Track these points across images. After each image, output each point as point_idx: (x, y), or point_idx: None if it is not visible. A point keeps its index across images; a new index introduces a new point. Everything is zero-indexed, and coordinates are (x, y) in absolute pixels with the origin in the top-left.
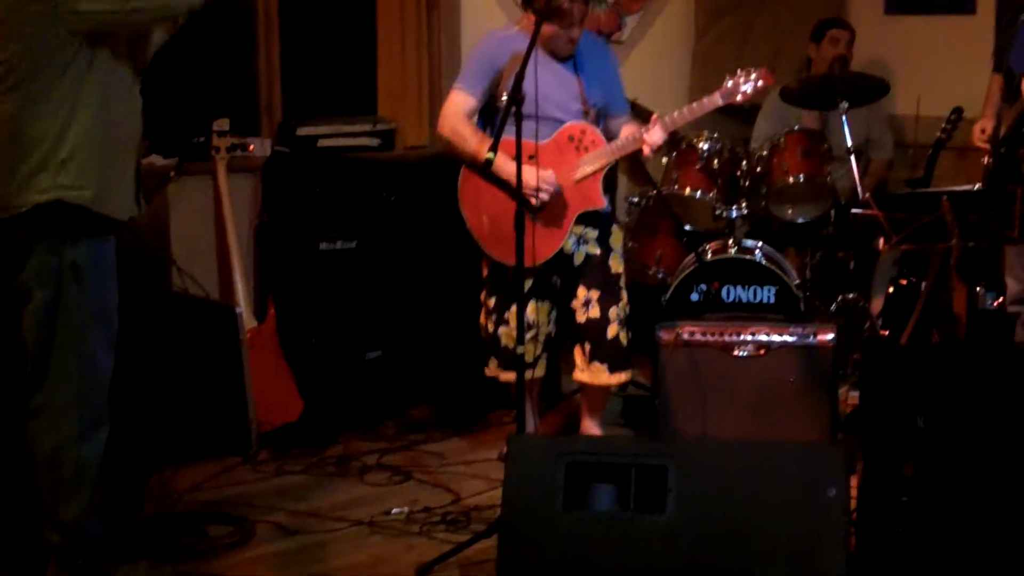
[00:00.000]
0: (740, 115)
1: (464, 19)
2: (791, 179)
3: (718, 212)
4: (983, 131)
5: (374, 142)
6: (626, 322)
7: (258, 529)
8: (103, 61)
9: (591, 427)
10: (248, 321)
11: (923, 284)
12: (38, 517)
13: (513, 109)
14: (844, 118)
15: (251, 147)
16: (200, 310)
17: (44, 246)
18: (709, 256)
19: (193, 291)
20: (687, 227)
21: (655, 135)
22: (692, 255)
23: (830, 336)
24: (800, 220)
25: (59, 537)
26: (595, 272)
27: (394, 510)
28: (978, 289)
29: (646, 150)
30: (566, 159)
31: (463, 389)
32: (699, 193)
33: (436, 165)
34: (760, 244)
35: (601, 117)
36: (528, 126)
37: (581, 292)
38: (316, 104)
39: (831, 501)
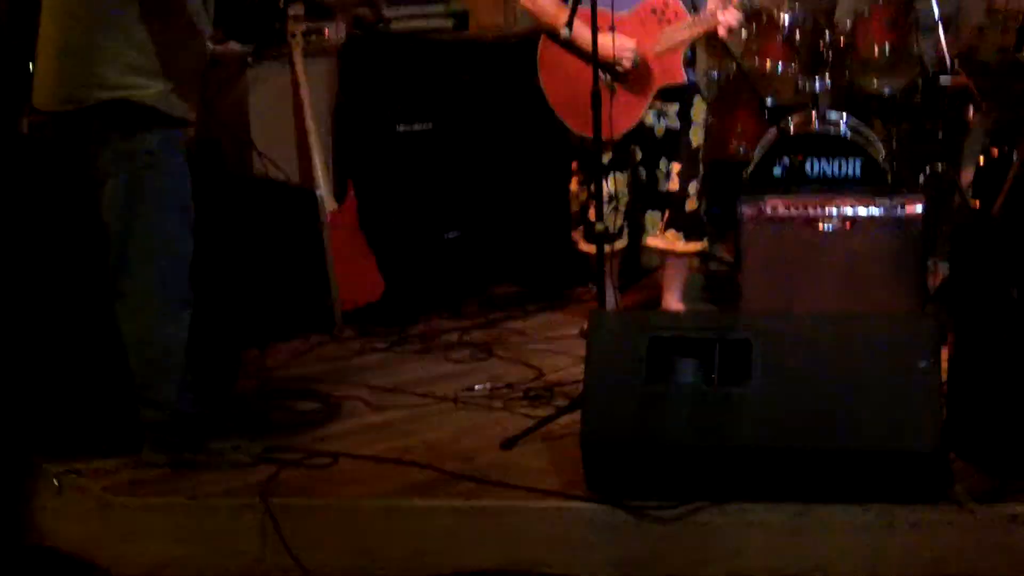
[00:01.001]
0: None
1: None
2: (877, 50)
3: (800, 85)
4: None
5: (448, 23)
6: (703, 193)
7: (344, 405)
8: None
9: (672, 301)
10: (328, 203)
11: (1015, 153)
12: (132, 397)
13: None
14: None
15: (326, 31)
16: (281, 194)
17: (117, 134)
18: (792, 129)
19: (273, 175)
20: (768, 101)
21: (729, 14)
22: (774, 129)
23: (918, 207)
24: (886, 91)
25: (152, 415)
26: (676, 145)
27: (477, 386)
28: None
29: (721, 31)
30: (647, 31)
31: (543, 266)
32: (781, 66)
33: (510, 44)
34: (845, 116)
35: None
36: None
37: (662, 164)
38: None
39: (923, 371)
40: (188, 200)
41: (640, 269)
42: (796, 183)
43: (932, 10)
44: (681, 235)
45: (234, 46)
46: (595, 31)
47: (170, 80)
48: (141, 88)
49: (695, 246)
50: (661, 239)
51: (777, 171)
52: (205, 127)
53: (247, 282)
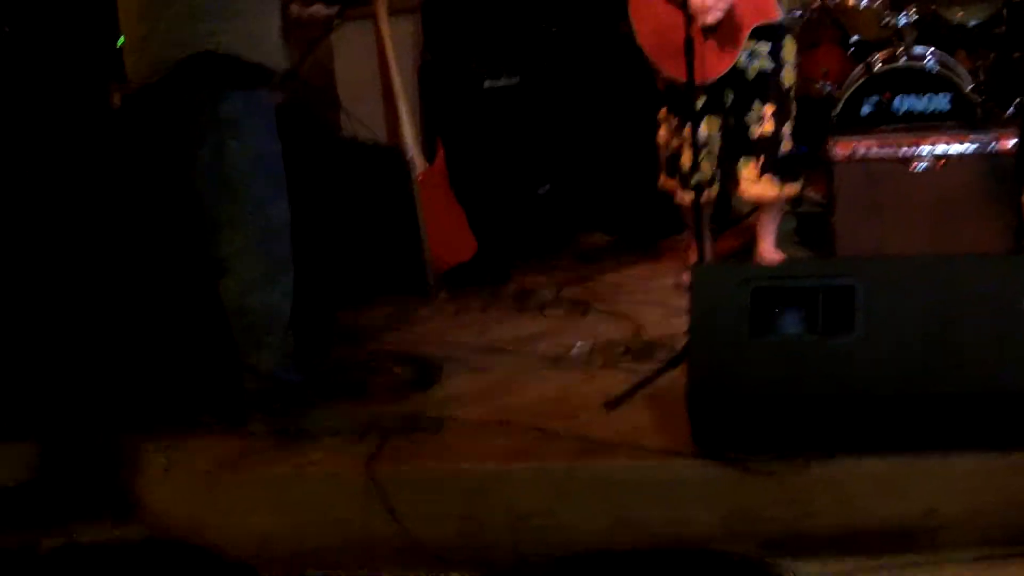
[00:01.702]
0: None
1: None
2: None
3: (885, 20)
4: None
5: None
6: (795, 134)
7: (444, 368)
8: None
9: (767, 246)
10: (418, 163)
11: None
12: (236, 366)
13: None
14: None
15: None
16: (371, 154)
17: (198, 102)
18: (878, 66)
19: (363, 136)
20: (853, 37)
21: None
22: (861, 66)
23: (1012, 142)
24: (972, 22)
25: (256, 384)
26: (768, 86)
27: (577, 343)
28: None
29: None
30: None
31: (634, 217)
32: (864, 1)
33: None
34: (931, 50)
35: None
36: None
37: (756, 107)
38: None
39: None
40: (280, 165)
41: (731, 213)
42: (885, 121)
43: None
44: (778, 178)
45: (319, 8)
46: None
47: (246, 21)
48: (216, 35)
49: (793, 189)
50: (758, 186)
51: (865, 109)
52: (292, 90)
53: (339, 245)
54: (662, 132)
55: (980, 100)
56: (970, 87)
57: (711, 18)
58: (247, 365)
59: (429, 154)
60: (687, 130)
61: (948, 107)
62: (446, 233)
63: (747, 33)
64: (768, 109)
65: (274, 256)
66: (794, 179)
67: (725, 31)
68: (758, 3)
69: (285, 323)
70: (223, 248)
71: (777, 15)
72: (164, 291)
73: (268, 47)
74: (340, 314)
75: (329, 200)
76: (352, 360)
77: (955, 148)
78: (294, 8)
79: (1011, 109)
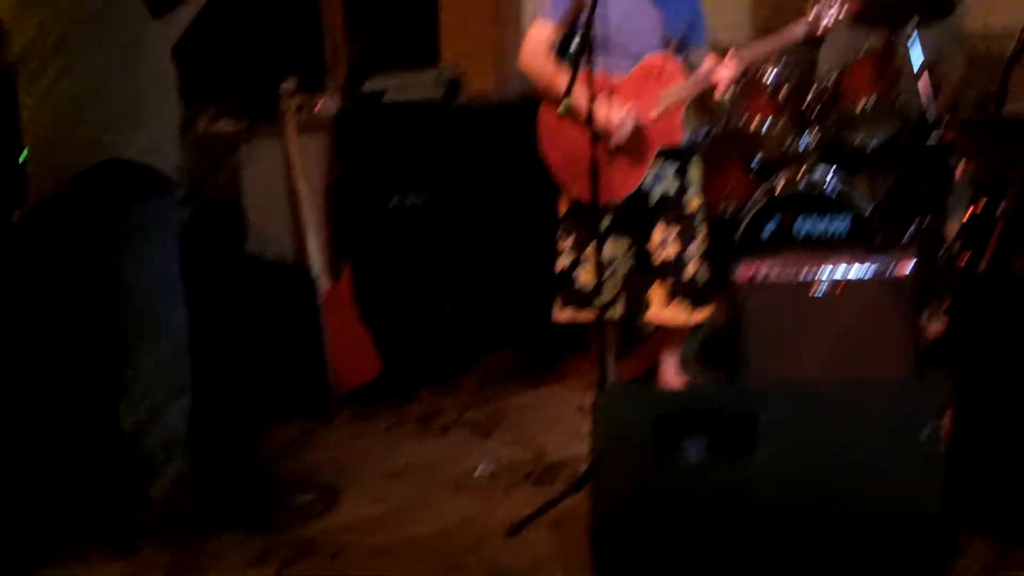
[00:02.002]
0: (807, 40)
1: None
2: (861, 104)
3: (788, 142)
4: None
5: (439, 92)
6: (705, 258)
7: (344, 494)
8: (126, 22)
9: (671, 369)
10: (323, 281)
11: (1001, 205)
12: (131, 491)
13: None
14: (914, 35)
15: (319, 105)
16: (277, 273)
17: (99, 215)
18: (779, 189)
19: (268, 253)
20: (756, 159)
21: (725, 71)
22: (763, 187)
23: (910, 266)
24: (871, 145)
25: (151, 513)
26: (673, 208)
27: (480, 466)
28: None
29: (720, 87)
30: (646, 93)
31: (539, 336)
32: (768, 123)
33: (503, 112)
34: (832, 172)
35: (682, 49)
36: (608, 61)
37: (659, 228)
38: (381, 57)
39: (925, 442)
40: (180, 281)
41: (635, 334)
42: (787, 243)
43: (914, 62)
44: (687, 303)
45: (226, 124)
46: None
47: (148, 132)
48: (119, 146)
49: (701, 315)
50: (667, 311)
51: (767, 231)
52: (198, 205)
53: (241, 364)
54: (562, 258)
55: (879, 223)
56: (870, 210)
57: (618, 138)
58: (142, 494)
59: (335, 272)
60: (589, 250)
61: (848, 229)
62: (350, 352)
63: (653, 153)
64: (672, 231)
65: (174, 376)
66: (704, 304)
67: (632, 152)
68: (665, 125)
69: (183, 444)
70: (123, 368)
71: (682, 138)
72: (58, 413)
73: (170, 159)
74: (240, 435)
75: (232, 318)
76: (250, 484)
77: (855, 271)
78: (202, 122)
79: (909, 233)
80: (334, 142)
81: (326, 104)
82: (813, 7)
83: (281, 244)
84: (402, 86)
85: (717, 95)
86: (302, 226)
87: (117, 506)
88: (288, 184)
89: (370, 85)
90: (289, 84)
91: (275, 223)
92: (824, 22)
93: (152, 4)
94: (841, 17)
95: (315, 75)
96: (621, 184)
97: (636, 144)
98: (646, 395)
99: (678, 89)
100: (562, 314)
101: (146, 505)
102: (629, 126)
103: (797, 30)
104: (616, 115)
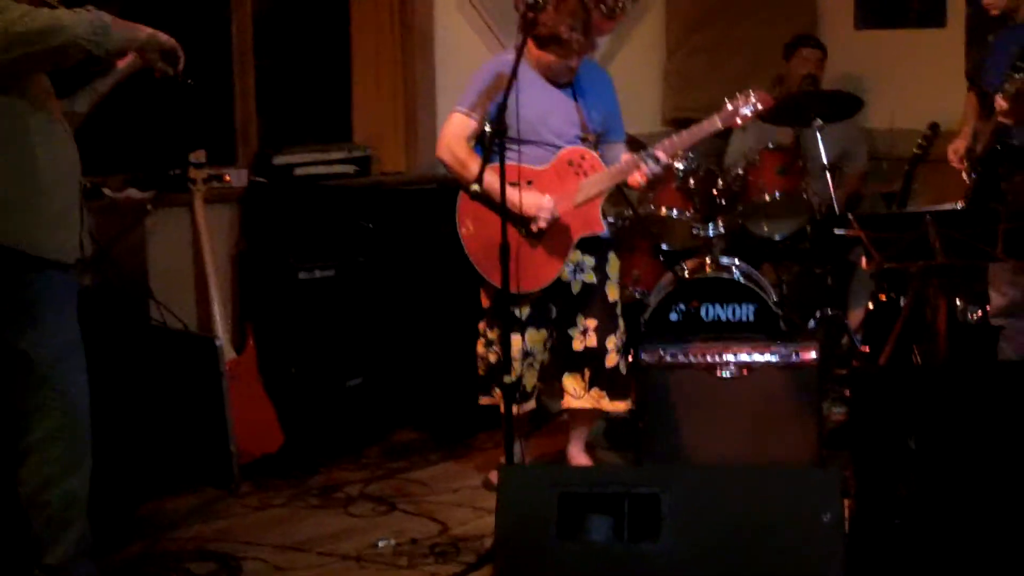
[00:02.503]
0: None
1: (438, 44)
2: (767, 196)
3: (695, 230)
4: (955, 152)
5: (350, 169)
6: (623, 350)
7: (244, 566)
8: (15, 105)
9: (577, 451)
10: (228, 352)
11: (902, 299)
12: (28, 559)
13: (497, 139)
14: (818, 134)
15: (227, 177)
16: (180, 343)
17: None
18: (687, 275)
19: (172, 323)
20: (664, 246)
21: (651, 162)
22: (670, 274)
23: (813, 354)
24: (777, 236)
25: None
26: (593, 301)
27: (380, 542)
28: (960, 303)
29: (640, 178)
30: (566, 184)
31: (445, 414)
32: (676, 212)
33: (413, 191)
34: (737, 262)
35: (599, 143)
36: (525, 151)
37: (579, 321)
38: (292, 131)
39: (827, 526)
40: (79, 348)
41: (544, 415)
42: (692, 329)
43: (820, 156)
44: (605, 394)
45: (133, 193)
46: (503, 188)
47: (42, 217)
48: (8, 233)
49: (621, 405)
50: (586, 399)
51: (673, 317)
52: (102, 273)
53: (143, 434)
54: (480, 347)
55: (783, 312)
56: (774, 299)
57: (542, 222)
58: (41, 562)
59: (240, 343)
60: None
61: (753, 317)
62: (253, 423)
63: (574, 243)
64: (591, 323)
65: (76, 445)
66: (623, 397)
67: (552, 241)
68: (585, 215)
69: (83, 513)
70: (24, 437)
71: (603, 228)
72: None
73: (61, 242)
74: (141, 505)
75: (135, 388)
76: (148, 555)
77: (759, 357)
78: (108, 191)
79: (812, 322)
80: (242, 214)
81: (236, 176)
82: (729, 103)
83: (186, 314)
84: (313, 161)
85: (640, 180)
86: (208, 297)
87: (14, 573)
88: (194, 255)
89: (281, 159)
90: (198, 156)
91: (181, 293)
92: (739, 117)
93: (58, 84)
94: (754, 113)
95: (225, 147)
96: (541, 273)
97: (557, 233)
98: (552, 473)
99: (598, 180)
100: (483, 399)
101: (46, 573)
102: (550, 212)
103: (714, 123)
104: (537, 200)
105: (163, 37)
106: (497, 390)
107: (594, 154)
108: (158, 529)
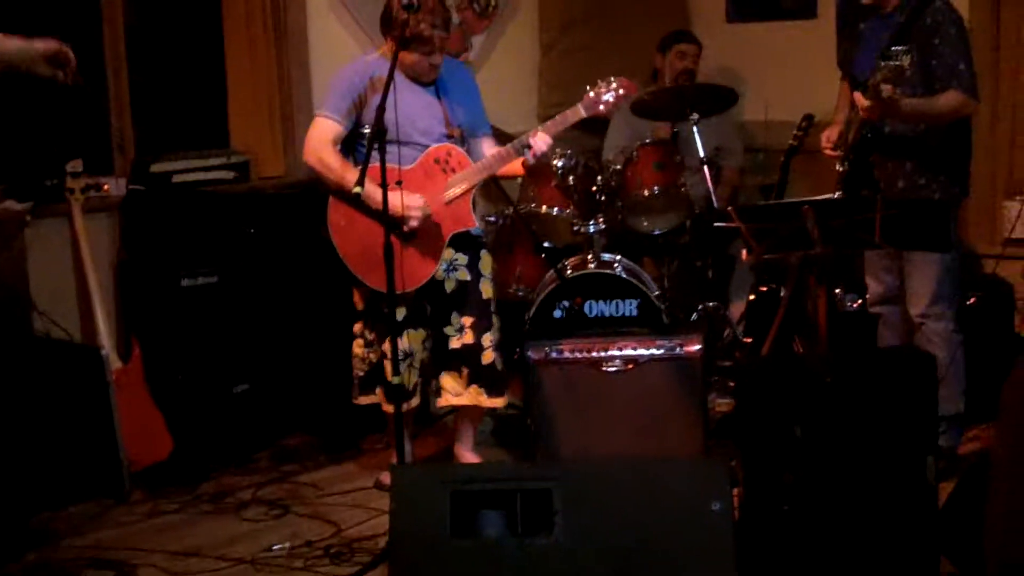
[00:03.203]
0: (592, 128)
1: (312, 47)
2: (646, 191)
3: (576, 227)
4: (828, 139)
5: (229, 175)
6: (499, 346)
7: (139, 572)
8: None
9: (466, 449)
10: (113, 361)
11: (782, 290)
12: None
13: (377, 140)
14: (695, 128)
15: (106, 187)
16: (64, 353)
17: None
18: (569, 272)
19: (56, 334)
20: (546, 244)
21: (540, 142)
22: (552, 272)
23: (697, 347)
24: (656, 231)
25: None
26: (467, 298)
27: (275, 546)
28: (838, 292)
29: (530, 158)
30: (434, 182)
31: (333, 417)
32: (556, 209)
33: (293, 195)
34: (619, 257)
35: (465, 139)
36: (393, 151)
37: (454, 319)
38: (169, 139)
39: (716, 514)
40: None
41: (430, 416)
42: (577, 325)
43: (697, 151)
44: (484, 391)
45: (11, 204)
46: (385, 187)
47: None
48: None
49: (499, 401)
50: (464, 396)
51: (558, 314)
52: None
53: (31, 445)
54: (357, 347)
55: (665, 306)
56: (656, 293)
57: (413, 223)
58: None
59: (125, 352)
60: (387, 343)
61: (636, 312)
62: (142, 432)
63: (446, 240)
64: (467, 320)
65: None
66: (500, 392)
67: (425, 239)
68: (455, 212)
69: None
70: None
71: (475, 223)
72: None
73: None
74: (34, 515)
75: (21, 400)
76: (42, 566)
77: (644, 351)
78: None
79: (694, 315)
80: (123, 222)
81: (114, 185)
82: (591, 89)
83: (69, 325)
84: (191, 168)
85: (526, 165)
86: (91, 306)
87: None
88: (75, 265)
89: (159, 166)
90: (75, 165)
91: (63, 303)
92: (601, 104)
93: None
94: (617, 99)
95: (102, 156)
96: (417, 272)
97: (428, 232)
98: (444, 472)
99: (466, 175)
100: (363, 399)
101: None
102: (422, 211)
103: (577, 112)
104: (409, 200)
105: (39, 45)
106: (379, 389)
107: (460, 151)
108: (52, 538)
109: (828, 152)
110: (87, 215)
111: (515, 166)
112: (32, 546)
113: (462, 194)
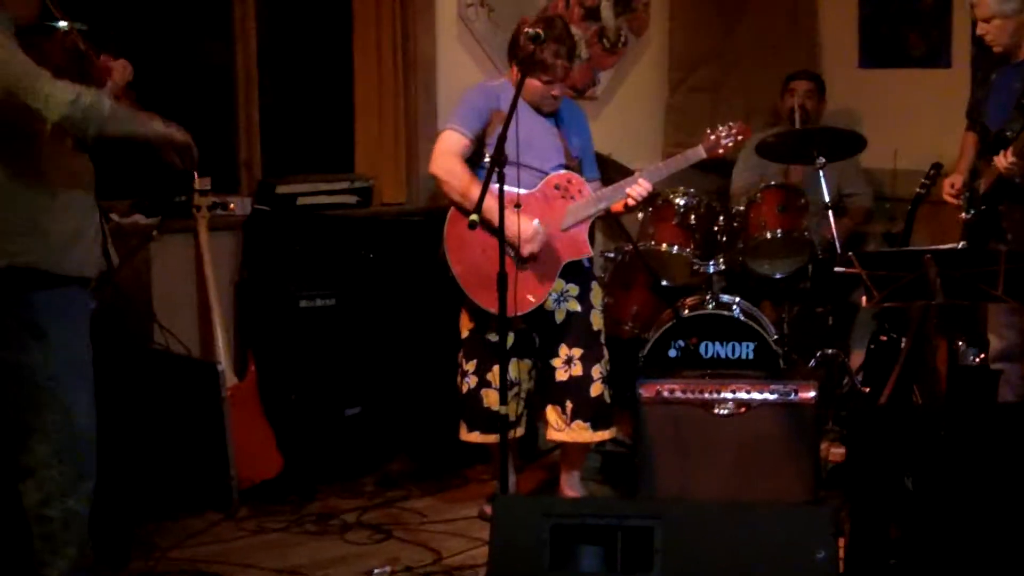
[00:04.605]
0: (716, 169)
1: (440, 76)
2: (768, 234)
3: (695, 267)
4: (952, 186)
5: (352, 199)
6: (608, 379)
7: None
8: (19, 140)
9: (570, 484)
10: (229, 377)
11: (903, 340)
12: (29, 572)
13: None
14: (820, 172)
15: (231, 205)
16: (182, 367)
17: (3, 307)
18: (686, 312)
19: (174, 348)
20: (663, 282)
21: (639, 188)
22: (669, 310)
23: (812, 393)
24: (777, 275)
25: None
26: (577, 329)
27: (376, 570)
28: (959, 345)
29: (630, 202)
30: (553, 208)
31: (441, 445)
32: (676, 248)
33: (412, 222)
34: (737, 299)
35: (581, 172)
36: (512, 175)
37: (563, 350)
38: (295, 161)
39: (820, 564)
40: (89, 370)
41: (536, 449)
42: (691, 365)
43: (822, 195)
44: (588, 425)
45: (139, 218)
46: (502, 218)
47: (51, 237)
48: (21, 254)
49: (602, 435)
50: (566, 432)
51: (672, 353)
52: (106, 298)
53: (144, 456)
54: (459, 379)
55: (783, 350)
56: (774, 337)
57: (530, 248)
58: (39, 572)
59: (240, 369)
60: (493, 371)
61: (752, 355)
62: (253, 449)
63: (560, 267)
64: (576, 352)
65: (79, 463)
66: (605, 426)
67: (539, 265)
68: (572, 240)
69: (83, 530)
70: (27, 453)
71: (590, 251)
72: None
73: (80, 258)
74: (142, 525)
75: (137, 410)
76: (147, 573)
77: (757, 395)
78: (115, 216)
79: (812, 361)
80: (245, 241)
81: (239, 204)
82: (711, 132)
83: (188, 339)
84: (315, 191)
85: (625, 208)
86: (210, 323)
87: None
88: (197, 280)
89: (284, 188)
90: (203, 183)
91: (183, 318)
92: (720, 147)
93: (80, 144)
94: (735, 143)
95: (229, 176)
96: (528, 298)
97: (544, 257)
98: (544, 505)
99: (585, 204)
100: (469, 436)
101: None
102: (540, 238)
103: (697, 152)
104: (527, 226)
105: (179, 137)
106: (474, 423)
107: (580, 178)
108: (157, 549)
109: (949, 198)
110: (211, 232)
111: (618, 205)
112: (137, 555)
113: (581, 222)
